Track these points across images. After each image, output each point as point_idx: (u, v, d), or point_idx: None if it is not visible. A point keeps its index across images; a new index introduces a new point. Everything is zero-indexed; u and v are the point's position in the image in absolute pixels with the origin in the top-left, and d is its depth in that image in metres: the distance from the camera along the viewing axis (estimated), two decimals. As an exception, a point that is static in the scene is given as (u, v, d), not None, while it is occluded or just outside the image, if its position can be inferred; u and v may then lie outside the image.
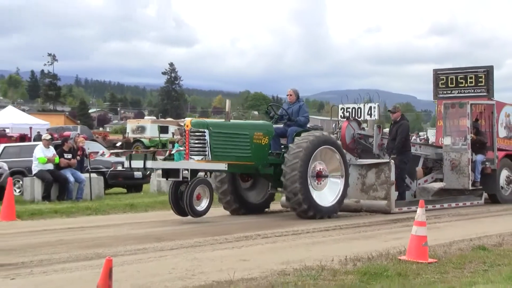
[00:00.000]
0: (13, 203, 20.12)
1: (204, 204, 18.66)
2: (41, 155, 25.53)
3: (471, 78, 24.20)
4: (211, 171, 19.66)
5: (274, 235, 16.26)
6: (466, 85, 23.98)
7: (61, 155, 25.79)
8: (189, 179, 18.42)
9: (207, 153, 18.54)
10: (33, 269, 11.86)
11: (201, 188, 18.48)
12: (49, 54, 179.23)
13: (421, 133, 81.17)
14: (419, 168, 23.02)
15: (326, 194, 19.55)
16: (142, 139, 54.85)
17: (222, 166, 18.92)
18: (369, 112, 22.02)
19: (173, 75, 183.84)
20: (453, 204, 21.87)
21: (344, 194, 19.95)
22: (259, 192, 21.29)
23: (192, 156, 18.75)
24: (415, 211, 19.17)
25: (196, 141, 18.86)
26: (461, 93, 24.33)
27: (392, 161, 20.38)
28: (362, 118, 22.27)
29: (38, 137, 38.88)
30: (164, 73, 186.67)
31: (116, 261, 8.72)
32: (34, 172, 25.99)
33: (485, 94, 23.81)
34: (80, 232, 17.07)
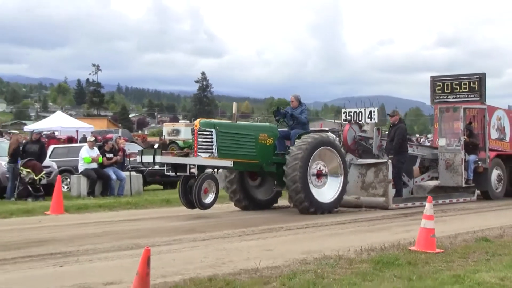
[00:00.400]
0: (61, 199, 20.22)
1: (210, 197, 18.61)
2: (86, 155, 25.69)
3: (465, 84, 24.17)
4: (217, 168, 19.55)
5: (296, 227, 16.28)
6: (461, 90, 24.03)
7: (103, 155, 25.92)
8: (196, 174, 18.39)
9: (213, 150, 18.49)
10: (79, 258, 11.93)
11: (208, 183, 18.42)
12: (94, 65, 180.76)
13: (429, 135, 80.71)
14: (416, 167, 22.93)
15: (326, 192, 19.44)
16: (177, 141, 54.76)
17: (228, 163, 18.84)
18: (369, 116, 21.91)
19: (204, 83, 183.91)
20: (447, 201, 21.69)
21: (343, 191, 19.78)
22: (266, 189, 21.12)
23: (200, 153, 18.66)
24: (412, 207, 19.28)
25: (204, 140, 18.74)
26: (456, 98, 24.28)
27: (390, 161, 20.29)
28: (363, 121, 22.11)
29: (84, 139, 38.95)
30: (196, 81, 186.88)
31: (153, 251, 8.75)
32: (80, 170, 26.15)
33: (478, 99, 23.75)
34: (121, 224, 17.15)
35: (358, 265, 10.92)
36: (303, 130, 20.01)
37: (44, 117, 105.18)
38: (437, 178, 22.86)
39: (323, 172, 19.34)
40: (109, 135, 39.51)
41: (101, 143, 28.72)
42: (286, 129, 20.48)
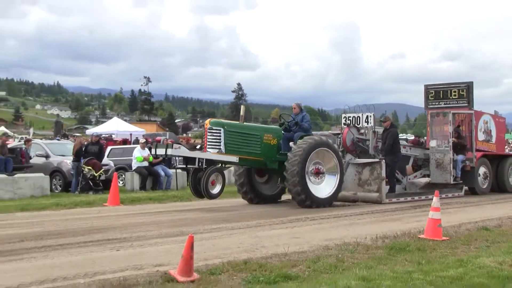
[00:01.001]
0: (117, 192, 20.34)
1: (217, 188, 18.46)
2: (139, 155, 25.85)
3: (454, 92, 23.93)
4: (224, 162, 19.25)
5: (320, 218, 16.22)
6: (451, 97, 23.79)
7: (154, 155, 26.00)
8: (203, 167, 18.20)
9: (221, 147, 18.39)
10: (133, 243, 11.98)
11: (215, 175, 18.31)
12: (145, 77, 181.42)
13: None
14: (409, 166, 22.67)
15: (323, 188, 19.05)
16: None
17: (234, 158, 18.70)
18: (366, 120, 21.74)
19: (240, 92, 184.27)
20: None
21: (339, 188, 19.37)
22: (272, 185, 20.82)
23: (209, 149, 18.50)
24: (404, 202, 19.07)
25: (213, 137, 18.56)
26: (446, 104, 23.98)
27: (383, 160, 20.02)
28: (360, 125, 21.90)
29: (136, 141, 39.14)
30: (233, 91, 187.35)
31: (196, 237, 8.77)
32: (133, 168, 26.33)
33: (466, 105, 23.50)
34: (168, 214, 17.18)
35: (374, 250, 10.90)
36: (305, 132, 19.69)
37: (103, 122, 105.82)
38: (428, 176, 22.66)
39: (321, 170, 19.03)
40: (158, 138, 39.60)
41: (151, 144, 28.80)
42: (291, 132, 20.09)
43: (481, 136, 23.61)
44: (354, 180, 20.19)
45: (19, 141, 37.32)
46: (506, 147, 57.13)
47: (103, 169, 25.45)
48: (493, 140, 24.22)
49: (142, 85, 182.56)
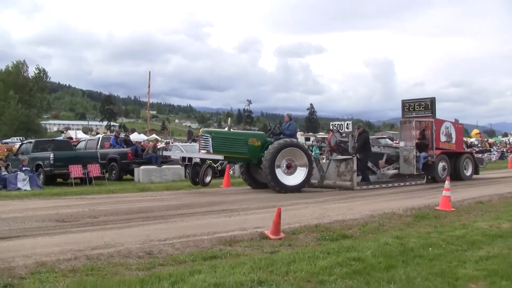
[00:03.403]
0: (229, 178, 20.48)
1: (208, 179, 17.99)
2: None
3: (422, 105, 22.55)
4: (213, 160, 18.79)
5: (367, 196, 16.05)
6: (419, 109, 22.53)
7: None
8: (200, 163, 17.89)
9: (209, 148, 17.68)
10: (240, 212, 12.11)
11: (208, 170, 17.96)
12: (248, 100, 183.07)
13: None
14: (382, 161, 21.41)
15: (293, 178, 17.72)
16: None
17: (220, 156, 18.01)
18: (347, 126, 20.47)
19: (312, 110, 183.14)
20: (402, 184, 20.09)
21: (307, 179, 18.00)
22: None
23: (202, 150, 18.00)
24: (373, 189, 18.37)
25: (204, 141, 17.93)
26: (417, 114, 22.56)
27: (355, 157, 18.90)
28: (342, 130, 20.59)
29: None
30: (307, 109, 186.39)
31: (282, 209, 8.81)
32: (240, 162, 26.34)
33: (430, 114, 22.09)
34: (263, 193, 17.19)
35: (404, 218, 10.80)
36: (288, 137, 18.44)
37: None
38: (398, 168, 21.26)
39: (293, 164, 17.91)
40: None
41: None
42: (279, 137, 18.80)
43: (443, 138, 22.27)
44: (334, 172, 19.06)
45: (164, 144, 38.03)
46: (507, 147, 55.27)
47: (219, 162, 25.59)
48: (453, 141, 22.79)
49: (245, 105, 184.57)
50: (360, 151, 19.62)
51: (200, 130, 19.56)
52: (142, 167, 22.66)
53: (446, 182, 12.83)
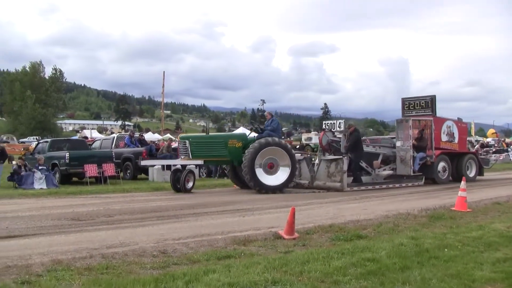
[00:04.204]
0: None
1: (190, 184, 17.48)
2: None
3: (422, 103, 22.02)
4: (194, 165, 18.38)
5: (382, 196, 15.98)
6: (419, 107, 21.98)
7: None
8: (180, 169, 17.57)
9: (188, 154, 17.35)
10: (254, 212, 12.13)
11: (189, 175, 17.49)
12: (261, 100, 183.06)
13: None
14: (376, 161, 20.36)
15: (275, 178, 17.36)
16: (310, 144, 54.97)
17: (200, 161, 17.66)
18: (339, 126, 20.05)
19: (326, 109, 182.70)
20: (397, 185, 19.52)
21: (289, 179, 17.65)
22: None
23: (181, 156, 17.84)
24: (365, 190, 17.90)
25: (182, 147, 17.73)
26: (417, 112, 22.09)
27: (345, 157, 18.35)
28: (334, 129, 20.16)
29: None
30: (321, 109, 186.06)
31: (296, 209, 8.78)
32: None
33: (430, 113, 21.55)
34: (279, 194, 17.20)
35: (419, 218, 10.73)
36: (271, 135, 18.06)
37: (232, 130, 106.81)
38: (395, 169, 20.49)
39: (275, 164, 17.55)
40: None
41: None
42: (261, 134, 18.47)
43: (444, 138, 21.63)
44: (325, 172, 18.49)
45: (178, 144, 38.09)
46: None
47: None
48: (456, 140, 22.05)
49: (259, 105, 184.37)
50: (351, 151, 19.16)
51: (178, 136, 19.34)
52: (156, 166, 22.69)
53: (462, 182, 12.74)
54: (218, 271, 6.16)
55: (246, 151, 17.33)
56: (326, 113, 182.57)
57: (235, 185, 19.35)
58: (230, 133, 23.96)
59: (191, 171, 17.87)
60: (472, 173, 22.26)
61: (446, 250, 7.54)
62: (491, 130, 70.15)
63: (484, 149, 47.59)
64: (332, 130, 20.42)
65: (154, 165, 22.19)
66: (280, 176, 17.52)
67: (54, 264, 6.59)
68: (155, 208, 12.82)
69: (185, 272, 6.09)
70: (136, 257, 7.10)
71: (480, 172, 22.82)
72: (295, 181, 18.72)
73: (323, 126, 21.35)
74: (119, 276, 6.09)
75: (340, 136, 19.97)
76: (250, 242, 8.15)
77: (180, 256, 7.20)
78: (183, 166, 17.69)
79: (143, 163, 20.57)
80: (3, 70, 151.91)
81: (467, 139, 26.38)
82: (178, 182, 17.39)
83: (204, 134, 19.45)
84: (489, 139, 58.59)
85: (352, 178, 19.02)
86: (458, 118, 22.96)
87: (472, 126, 59.84)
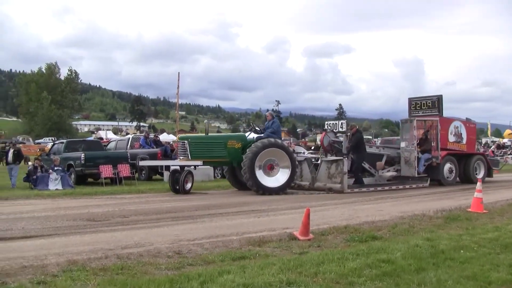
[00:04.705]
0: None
1: (189, 185, 17.38)
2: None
3: (428, 103, 21.61)
4: (192, 166, 17.88)
5: (397, 197, 15.91)
6: (426, 107, 21.55)
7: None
8: (179, 170, 17.44)
9: (187, 154, 17.14)
10: (269, 213, 12.14)
11: (188, 176, 17.36)
12: (276, 101, 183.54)
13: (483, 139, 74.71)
14: (379, 162, 20.05)
15: (275, 179, 17.21)
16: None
17: (199, 162, 17.43)
18: (341, 126, 20.04)
19: (341, 110, 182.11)
20: (401, 187, 19.00)
21: (289, 181, 17.47)
22: None
23: (180, 156, 17.55)
24: (366, 192, 17.62)
25: (181, 147, 17.47)
26: (424, 112, 21.67)
27: (346, 158, 18.07)
28: (337, 129, 20.11)
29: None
30: (336, 109, 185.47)
31: (311, 210, 8.76)
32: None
33: (437, 113, 21.11)
34: (292, 194, 17.22)
35: (435, 220, 10.67)
36: (272, 135, 17.94)
37: (247, 131, 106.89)
38: (399, 170, 20.15)
39: (274, 166, 17.28)
40: (286, 142, 39.72)
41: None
42: (262, 135, 18.35)
43: (451, 138, 21.20)
44: (325, 173, 18.17)
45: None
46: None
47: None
48: (464, 141, 21.59)
49: (274, 106, 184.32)
50: (353, 152, 18.96)
51: (177, 137, 19.19)
52: (172, 167, 22.77)
53: (478, 183, 12.62)
54: (233, 272, 6.17)
55: (246, 152, 17.21)
56: (340, 114, 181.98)
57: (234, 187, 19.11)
58: (229, 133, 23.73)
59: (190, 172, 17.76)
60: (480, 174, 21.80)
61: (462, 251, 7.50)
62: (508, 131, 69.67)
63: (501, 150, 47.26)
64: (334, 130, 20.27)
65: (159, 165, 22.32)
66: (280, 178, 17.40)
67: (69, 265, 6.64)
68: (170, 209, 12.87)
69: (200, 273, 6.11)
70: (151, 257, 7.14)
71: (489, 173, 22.32)
72: (296, 182, 18.60)
73: (325, 127, 21.15)
74: (134, 276, 6.12)
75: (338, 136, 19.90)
76: (265, 243, 8.15)
77: (195, 257, 7.22)
78: (182, 167, 17.55)
79: (142, 163, 20.42)
80: (19, 71, 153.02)
81: (483, 140, 26.19)
82: (177, 183, 17.30)
83: (204, 134, 19.38)
84: (505, 140, 58.19)
85: (353, 179, 18.85)
86: (466, 118, 22.63)
87: (489, 126, 59.44)
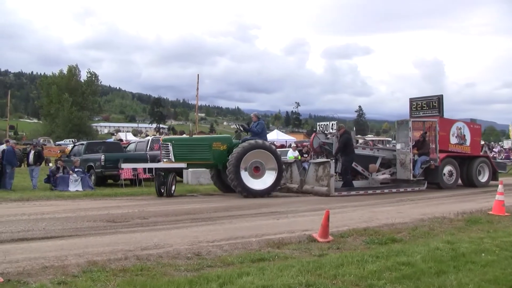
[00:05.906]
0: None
1: (174, 188, 17.25)
2: (291, 155, 25.79)
3: (429, 103, 21.05)
4: (175, 168, 17.59)
5: (417, 199, 15.80)
6: (426, 108, 20.99)
7: (301, 155, 25.92)
8: (163, 173, 17.12)
9: (170, 157, 16.84)
10: (288, 215, 12.12)
11: (173, 179, 17.17)
12: (296, 102, 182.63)
13: (500, 143, 74.06)
14: (372, 165, 19.32)
15: (261, 182, 16.95)
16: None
17: (183, 165, 17.27)
18: (332, 127, 19.42)
19: (360, 112, 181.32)
20: (394, 190, 18.35)
21: (276, 183, 17.21)
22: None
23: (163, 159, 17.23)
24: (354, 195, 17.20)
25: (165, 150, 17.15)
26: (424, 113, 21.16)
27: (333, 160, 17.58)
28: (327, 131, 19.57)
29: (289, 146, 39.29)
30: (356, 111, 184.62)
31: (330, 212, 8.74)
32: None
33: (437, 114, 20.56)
34: (311, 196, 17.17)
35: (456, 222, 10.60)
36: (256, 136, 17.82)
37: (267, 133, 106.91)
38: (396, 173, 19.54)
39: (261, 168, 17.01)
40: (304, 143, 39.62)
41: (300, 147, 28.75)
42: (248, 137, 18.24)
43: (453, 140, 20.54)
44: (313, 176, 17.80)
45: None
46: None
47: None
48: (467, 143, 20.88)
49: (293, 108, 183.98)
50: (341, 153, 18.55)
51: (161, 139, 19.09)
52: (190, 168, 22.78)
53: (500, 186, 12.46)
54: (252, 273, 6.18)
55: (230, 154, 17.00)
56: (360, 116, 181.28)
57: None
58: (214, 135, 23.44)
59: (174, 176, 17.63)
60: (484, 178, 21.12)
61: (483, 254, 7.42)
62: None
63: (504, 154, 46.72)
64: (324, 132, 19.90)
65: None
66: (267, 180, 17.16)
67: (89, 265, 6.70)
68: (189, 210, 12.93)
69: (219, 275, 6.13)
70: (170, 259, 7.17)
71: (494, 177, 21.35)
72: (286, 184, 18.44)
73: (317, 128, 20.76)
74: (154, 277, 6.16)
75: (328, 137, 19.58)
76: (284, 245, 8.15)
77: (214, 259, 7.24)
78: (165, 170, 17.23)
79: (123, 165, 20.48)
80: (40, 73, 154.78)
81: (505, 142, 25.79)
82: (163, 185, 17.12)
83: (188, 136, 19.20)
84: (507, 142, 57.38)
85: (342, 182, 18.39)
86: (471, 119, 22.06)
87: (510, 128, 58.82)
